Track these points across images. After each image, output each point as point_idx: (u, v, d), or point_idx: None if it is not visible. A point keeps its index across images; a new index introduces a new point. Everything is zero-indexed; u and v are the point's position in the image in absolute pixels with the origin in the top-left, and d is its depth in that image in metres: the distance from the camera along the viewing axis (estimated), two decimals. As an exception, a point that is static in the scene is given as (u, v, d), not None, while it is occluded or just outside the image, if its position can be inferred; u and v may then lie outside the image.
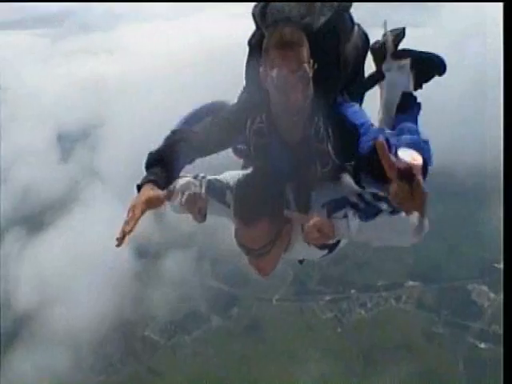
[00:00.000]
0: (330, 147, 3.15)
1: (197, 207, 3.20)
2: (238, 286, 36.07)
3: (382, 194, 3.12)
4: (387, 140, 2.60)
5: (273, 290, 35.55)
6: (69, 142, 53.84)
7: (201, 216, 3.24)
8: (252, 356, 31.80)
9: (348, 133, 3.05)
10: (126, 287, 36.67)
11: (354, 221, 3.08)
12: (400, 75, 3.72)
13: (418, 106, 3.71)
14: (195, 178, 3.53)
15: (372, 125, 3.08)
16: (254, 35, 3.44)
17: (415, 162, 2.48)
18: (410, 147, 2.75)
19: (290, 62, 2.91)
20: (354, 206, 3.14)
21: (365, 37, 3.53)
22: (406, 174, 2.33)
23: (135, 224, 2.84)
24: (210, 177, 3.57)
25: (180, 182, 3.50)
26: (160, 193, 2.95)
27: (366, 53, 3.61)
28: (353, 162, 3.23)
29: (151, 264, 39.36)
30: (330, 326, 33.44)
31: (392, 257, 36.27)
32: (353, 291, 35.56)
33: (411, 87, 3.79)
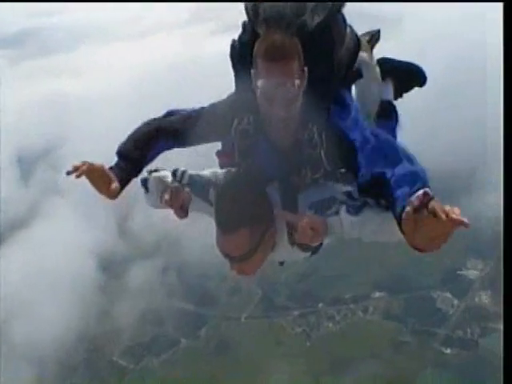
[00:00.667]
0: (322, 154, 3.11)
1: (179, 202, 3.19)
2: (206, 306, 36.04)
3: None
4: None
5: (241, 308, 35.61)
6: (30, 161, 53.23)
7: (183, 211, 3.23)
8: (222, 376, 31.55)
9: (343, 145, 3.04)
10: (89, 301, 36.32)
11: (347, 217, 3.06)
12: (373, 80, 3.69)
13: (396, 115, 3.79)
14: (175, 172, 3.48)
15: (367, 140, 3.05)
16: (244, 32, 3.37)
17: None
18: (411, 177, 2.76)
19: (276, 76, 2.85)
20: (344, 203, 3.12)
21: (356, 39, 3.47)
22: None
23: (87, 167, 2.86)
24: (191, 172, 3.51)
25: (158, 174, 3.51)
26: (114, 179, 2.95)
27: (357, 55, 3.50)
28: (343, 170, 3.19)
29: (115, 276, 39.04)
30: (299, 341, 33.51)
31: (358, 269, 36.66)
32: (321, 305, 35.71)
33: (390, 95, 3.84)
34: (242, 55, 3.32)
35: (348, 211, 3.06)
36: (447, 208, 2.29)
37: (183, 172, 3.45)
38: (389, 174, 2.82)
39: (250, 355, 32.44)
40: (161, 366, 33.08)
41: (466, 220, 2.24)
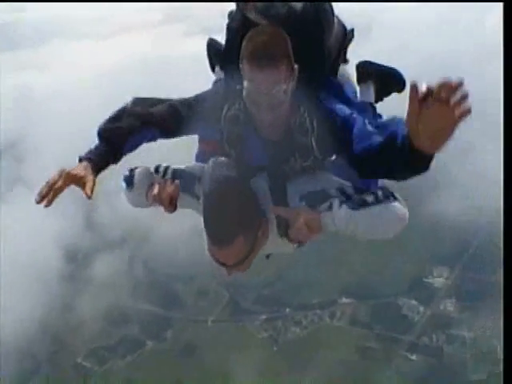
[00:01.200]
0: (313, 141, 3.05)
1: (168, 196, 3.09)
2: (173, 308, 35.76)
3: (363, 187, 3.12)
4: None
5: (208, 311, 35.46)
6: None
7: (172, 206, 3.13)
8: (188, 379, 31.26)
9: (335, 127, 2.98)
10: (54, 291, 36.04)
11: (340, 213, 2.98)
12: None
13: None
14: (157, 168, 3.43)
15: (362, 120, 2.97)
16: (233, 19, 3.29)
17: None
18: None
19: (261, 83, 2.78)
20: (337, 198, 3.05)
21: (344, 29, 3.44)
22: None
23: (54, 192, 2.75)
24: (174, 166, 3.44)
25: (140, 171, 3.44)
26: (89, 176, 2.81)
27: (344, 46, 3.50)
28: (334, 157, 3.16)
29: (80, 267, 38.76)
30: (266, 346, 33.47)
31: (325, 275, 36.83)
32: (288, 310, 35.74)
33: (371, 97, 3.78)
34: (231, 42, 3.30)
35: (348, 206, 2.98)
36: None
37: (166, 168, 3.41)
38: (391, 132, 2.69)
39: (216, 359, 32.25)
40: (126, 368, 32.62)
41: (469, 106, 2.04)
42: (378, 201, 2.96)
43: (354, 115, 2.96)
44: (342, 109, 3.04)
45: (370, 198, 2.98)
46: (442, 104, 2.01)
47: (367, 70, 3.69)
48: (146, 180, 3.36)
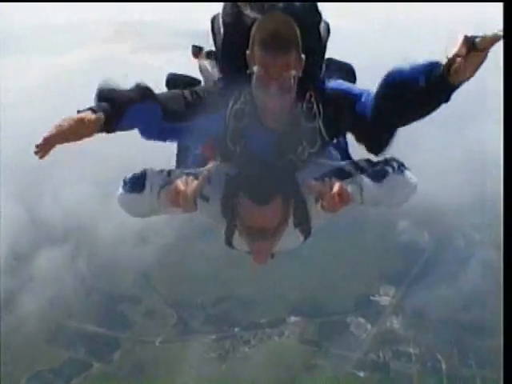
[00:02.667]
0: (321, 124, 3.15)
1: (194, 192, 2.95)
2: (119, 330, 35.22)
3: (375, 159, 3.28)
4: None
5: (156, 331, 35.12)
6: None
7: (194, 204, 2.99)
8: (136, 400, 30.92)
9: (343, 103, 3.13)
10: None
11: (367, 184, 3.11)
12: None
13: None
14: (160, 173, 3.31)
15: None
16: (227, 14, 3.28)
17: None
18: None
19: (273, 67, 2.88)
20: (357, 172, 3.20)
21: (327, 26, 3.47)
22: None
23: (60, 135, 2.60)
24: (178, 170, 3.40)
25: (151, 171, 3.31)
26: (97, 116, 2.69)
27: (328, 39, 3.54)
28: (336, 140, 3.35)
29: (23, 263, 38.26)
30: (215, 365, 33.26)
31: (274, 294, 37.03)
32: (236, 329, 35.78)
33: None
34: (227, 36, 3.30)
35: (370, 178, 3.14)
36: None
37: (169, 171, 3.32)
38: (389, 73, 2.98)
39: (165, 379, 31.87)
40: (72, 390, 31.94)
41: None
42: (395, 171, 3.21)
43: (361, 90, 3.17)
44: (349, 86, 3.27)
45: (389, 169, 3.20)
46: (483, 53, 2.64)
47: (333, 67, 3.72)
48: (160, 180, 3.22)
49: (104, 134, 2.86)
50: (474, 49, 2.61)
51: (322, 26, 3.35)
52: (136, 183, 3.26)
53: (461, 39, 2.63)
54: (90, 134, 2.69)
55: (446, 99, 2.84)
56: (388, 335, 35.75)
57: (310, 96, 3.14)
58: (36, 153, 2.59)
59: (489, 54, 2.72)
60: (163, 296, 38.00)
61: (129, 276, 38.95)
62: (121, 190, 3.37)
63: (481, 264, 40.56)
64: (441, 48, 2.76)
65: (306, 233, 3.50)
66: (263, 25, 2.90)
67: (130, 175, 3.34)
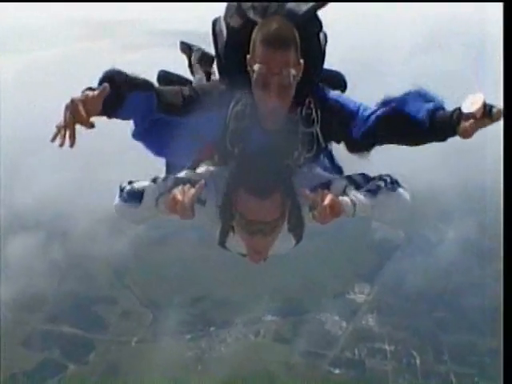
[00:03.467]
0: (318, 129, 3.23)
1: (191, 200, 2.96)
2: (95, 330, 35.01)
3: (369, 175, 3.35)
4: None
5: (131, 332, 34.98)
6: None
7: (192, 211, 2.99)
8: (112, 401, 30.76)
9: (340, 116, 3.18)
10: None
11: (360, 198, 3.15)
12: None
13: None
14: (155, 180, 3.35)
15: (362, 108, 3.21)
16: (231, 16, 3.32)
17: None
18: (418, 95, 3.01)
19: (273, 63, 2.95)
20: (351, 186, 3.26)
21: (324, 35, 3.48)
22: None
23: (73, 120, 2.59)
24: (173, 176, 3.41)
25: (147, 184, 3.34)
26: (99, 92, 2.66)
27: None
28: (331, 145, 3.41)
29: None
30: (191, 365, 33.23)
31: (250, 293, 37.12)
32: (212, 329, 35.80)
33: None
34: (230, 38, 3.31)
35: (363, 193, 3.20)
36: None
37: (165, 178, 3.36)
38: (393, 104, 3.06)
39: (140, 380, 31.65)
40: (46, 392, 31.63)
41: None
42: (388, 187, 3.26)
43: (357, 104, 3.22)
44: (345, 98, 3.31)
45: (381, 185, 3.25)
46: (491, 122, 2.71)
47: (324, 75, 3.67)
48: (156, 190, 3.26)
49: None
50: (489, 116, 2.68)
51: (322, 35, 3.40)
52: (133, 196, 3.31)
53: (481, 101, 2.69)
54: (97, 110, 2.68)
55: (443, 140, 2.95)
56: (363, 333, 36.08)
57: (309, 102, 3.22)
58: (61, 145, 2.57)
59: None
60: (138, 296, 37.86)
61: (103, 265, 38.99)
62: (117, 199, 3.41)
63: (453, 258, 41.21)
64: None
65: (299, 237, 3.56)
66: (264, 26, 3.00)
67: (127, 186, 3.37)
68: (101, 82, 2.76)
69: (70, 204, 42.16)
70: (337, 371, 33.42)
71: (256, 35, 3.00)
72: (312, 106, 3.21)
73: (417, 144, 3.08)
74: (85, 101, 2.61)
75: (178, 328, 35.47)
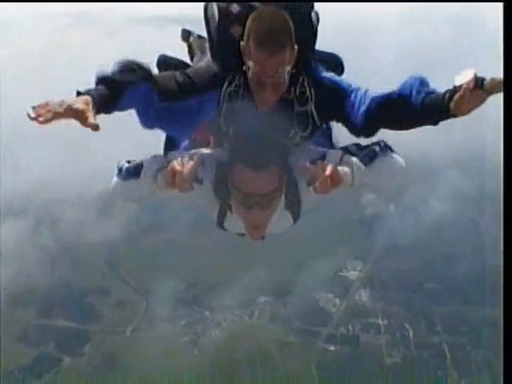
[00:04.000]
0: (313, 108, 3.25)
1: (190, 171, 3.02)
2: (89, 322, 35.12)
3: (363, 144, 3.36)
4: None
5: (126, 321, 35.08)
6: None
7: (190, 183, 3.05)
8: (110, 392, 30.96)
9: (333, 94, 3.21)
10: None
11: (357, 166, 3.20)
12: None
13: None
14: (155, 157, 3.36)
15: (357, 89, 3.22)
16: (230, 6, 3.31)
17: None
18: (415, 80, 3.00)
19: (268, 66, 2.96)
20: (349, 155, 3.28)
21: (316, 14, 3.50)
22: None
23: (49, 116, 2.44)
24: (171, 152, 3.42)
25: (147, 158, 3.35)
26: (89, 111, 2.57)
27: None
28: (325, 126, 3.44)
29: None
30: (187, 350, 33.44)
31: (243, 275, 37.29)
32: (207, 313, 36.00)
33: None
34: (221, 22, 3.33)
35: (360, 160, 3.24)
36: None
37: (164, 154, 3.39)
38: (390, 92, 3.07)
39: (138, 368, 31.78)
40: (44, 387, 31.83)
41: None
42: (383, 153, 3.32)
43: (353, 86, 3.23)
44: (340, 79, 3.34)
45: (376, 151, 3.30)
46: (489, 93, 2.66)
47: (322, 58, 3.71)
48: (155, 164, 3.27)
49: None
50: (481, 88, 2.65)
51: (313, 14, 3.41)
52: (132, 171, 3.32)
53: (471, 74, 2.68)
54: (84, 120, 2.57)
55: (436, 123, 2.96)
56: (357, 308, 36.38)
57: (303, 80, 3.23)
58: (34, 118, 2.42)
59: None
60: (131, 285, 37.97)
61: (94, 254, 39.32)
62: (116, 178, 3.43)
63: (445, 230, 41.45)
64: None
65: (296, 215, 3.59)
66: (258, 19, 2.96)
67: (125, 164, 3.39)
68: (97, 83, 2.82)
69: (59, 189, 42.16)
70: (332, 348, 33.75)
71: (250, 29, 2.99)
72: (306, 84, 3.24)
73: (411, 126, 3.08)
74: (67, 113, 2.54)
75: (173, 314, 35.66)
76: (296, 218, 3.62)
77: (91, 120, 2.52)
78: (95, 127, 2.53)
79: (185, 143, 3.76)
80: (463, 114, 2.78)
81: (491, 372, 31.22)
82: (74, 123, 2.55)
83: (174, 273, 37.47)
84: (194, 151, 3.41)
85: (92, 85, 2.81)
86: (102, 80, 2.82)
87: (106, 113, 2.82)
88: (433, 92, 2.89)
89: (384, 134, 3.31)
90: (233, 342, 33.86)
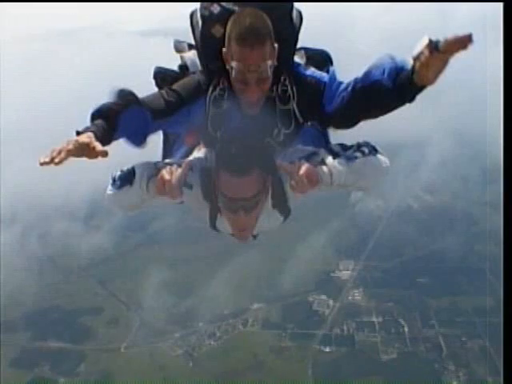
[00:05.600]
0: (294, 106, 3.30)
1: (178, 180, 3.11)
2: (83, 341, 35.08)
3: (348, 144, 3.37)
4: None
5: (120, 338, 35.00)
6: None
7: (179, 191, 3.14)
8: (107, 410, 30.95)
9: (314, 90, 3.26)
10: None
11: (336, 167, 3.20)
12: None
13: None
14: (147, 165, 3.44)
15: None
16: (205, 8, 3.34)
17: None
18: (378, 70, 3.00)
19: (250, 61, 3.01)
20: (329, 155, 3.28)
21: (299, 13, 3.53)
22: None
23: (63, 155, 2.56)
24: (162, 161, 3.52)
25: (139, 165, 3.43)
26: (95, 142, 2.66)
27: (301, 27, 3.59)
28: (310, 123, 3.43)
29: None
30: (182, 363, 33.38)
31: (234, 283, 37.35)
32: (200, 324, 35.94)
33: None
34: (205, 29, 3.36)
35: (341, 160, 3.24)
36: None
37: (156, 163, 3.44)
38: (354, 82, 3.11)
39: (133, 384, 31.91)
40: (40, 410, 31.70)
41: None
42: (365, 154, 3.29)
43: (334, 80, 3.28)
44: (321, 74, 3.37)
45: (358, 153, 3.28)
46: (448, 54, 2.62)
47: (308, 54, 3.75)
48: (147, 172, 3.35)
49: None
50: (437, 51, 2.61)
51: (295, 14, 3.43)
52: (125, 179, 3.39)
53: (425, 41, 2.65)
54: (93, 150, 2.67)
55: (411, 99, 2.95)
56: (351, 308, 36.36)
57: (284, 79, 3.30)
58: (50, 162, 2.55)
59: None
60: (124, 302, 38.00)
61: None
62: (110, 189, 3.49)
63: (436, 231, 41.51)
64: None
65: (285, 213, 3.66)
66: (238, 21, 3.04)
67: (117, 173, 3.46)
68: (92, 119, 2.89)
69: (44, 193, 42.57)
70: (327, 349, 33.69)
71: (230, 31, 3.06)
72: (287, 82, 3.30)
73: (388, 109, 3.10)
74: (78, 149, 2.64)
75: (167, 328, 35.64)
76: (286, 215, 3.69)
77: (99, 148, 2.63)
78: (104, 154, 2.63)
79: (181, 151, 3.83)
80: (431, 83, 2.78)
81: (489, 361, 31.10)
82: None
83: (165, 287, 37.57)
84: (182, 159, 3.53)
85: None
86: (96, 114, 2.90)
87: (107, 143, 2.86)
88: (402, 68, 2.90)
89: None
90: (228, 351, 33.81)
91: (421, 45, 2.66)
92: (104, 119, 2.87)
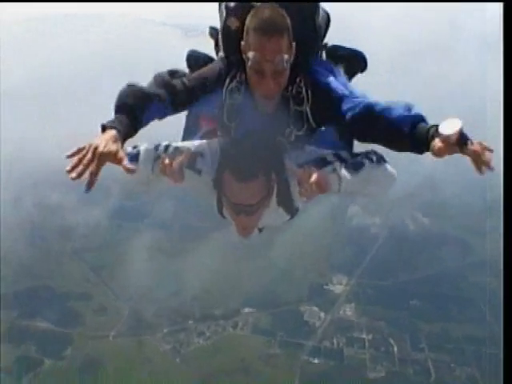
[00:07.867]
0: (308, 110, 3.31)
1: (178, 165, 3.15)
2: (71, 325, 34.71)
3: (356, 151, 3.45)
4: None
5: (109, 326, 34.68)
6: None
7: (180, 175, 3.18)
8: (89, 396, 30.50)
9: (329, 98, 3.27)
10: None
11: (345, 175, 3.22)
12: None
13: None
14: (157, 147, 3.48)
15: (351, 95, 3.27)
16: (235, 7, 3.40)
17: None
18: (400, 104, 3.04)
19: (266, 50, 3.04)
20: (337, 162, 3.30)
21: (326, 13, 3.62)
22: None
23: (91, 177, 2.63)
24: (175, 144, 3.53)
25: (145, 147, 3.48)
26: (120, 152, 2.72)
27: (328, 28, 3.70)
28: (323, 128, 3.42)
29: None
30: (169, 358, 33.11)
31: (227, 285, 37.15)
32: (190, 322, 35.70)
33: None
34: (228, 20, 3.44)
35: (347, 169, 3.26)
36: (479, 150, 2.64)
37: (167, 146, 3.48)
38: (376, 104, 3.12)
39: (118, 374, 31.46)
40: (24, 388, 31.24)
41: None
42: (373, 162, 3.34)
43: (347, 92, 3.28)
44: (337, 84, 3.35)
45: (366, 161, 3.33)
46: (467, 155, 2.65)
47: (338, 53, 3.82)
48: (151, 154, 3.42)
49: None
50: (461, 146, 2.65)
51: (321, 16, 3.50)
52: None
53: (458, 126, 2.66)
54: (119, 162, 2.73)
55: (419, 153, 2.94)
56: (342, 323, 36.24)
57: (300, 81, 3.30)
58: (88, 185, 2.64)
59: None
60: (114, 291, 37.66)
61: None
62: None
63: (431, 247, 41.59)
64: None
65: (292, 212, 3.68)
66: (257, 13, 3.08)
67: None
68: (116, 112, 2.94)
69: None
70: (315, 361, 33.51)
71: (249, 22, 3.09)
72: (302, 85, 3.29)
73: (393, 148, 3.11)
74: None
75: (156, 321, 35.36)
76: (292, 213, 3.71)
77: (126, 164, 2.69)
78: (131, 171, 2.70)
79: (197, 135, 3.81)
80: (440, 157, 2.78)
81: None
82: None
83: (158, 280, 37.30)
84: (196, 143, 3.57)
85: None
86: (119, 109, 2.95)
87: (129, 138, 2.94)
88: (419, 119, 2.91)
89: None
90: (216, 351, 33.61)
91: (451, 128, 2.66)
92: (129, 116, 2.93)
